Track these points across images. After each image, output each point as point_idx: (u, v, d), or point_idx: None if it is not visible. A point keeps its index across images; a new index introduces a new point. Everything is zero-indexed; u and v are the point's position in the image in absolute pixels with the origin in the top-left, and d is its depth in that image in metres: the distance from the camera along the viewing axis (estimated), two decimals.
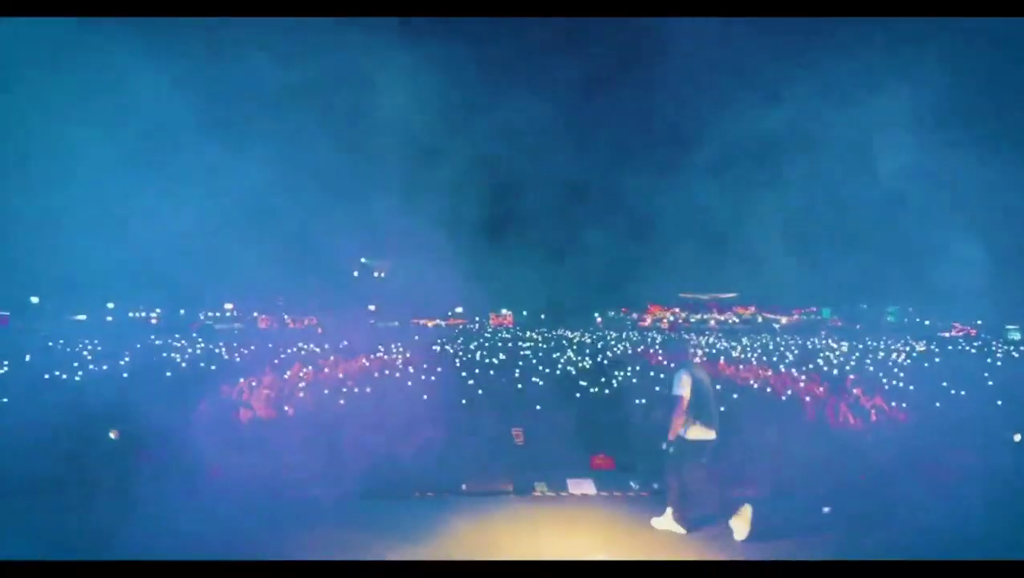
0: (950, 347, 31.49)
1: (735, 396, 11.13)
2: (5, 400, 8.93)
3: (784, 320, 79.09)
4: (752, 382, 13.77)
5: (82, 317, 52.33)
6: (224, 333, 37.69)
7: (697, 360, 4.45)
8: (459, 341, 29.26)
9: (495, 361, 19.00)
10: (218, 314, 59.62)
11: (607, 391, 11.84)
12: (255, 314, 57.45)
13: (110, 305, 56.63)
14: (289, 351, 19.77)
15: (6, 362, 14.33)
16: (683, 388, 3.99)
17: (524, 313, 78.61)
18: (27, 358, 15.31)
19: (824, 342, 34.78)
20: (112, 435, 5.83)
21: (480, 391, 11.24)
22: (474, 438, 7.08)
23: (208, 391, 10.61)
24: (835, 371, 17.04)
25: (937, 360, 20.95)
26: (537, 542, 3.87)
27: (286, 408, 10.03)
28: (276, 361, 16.39)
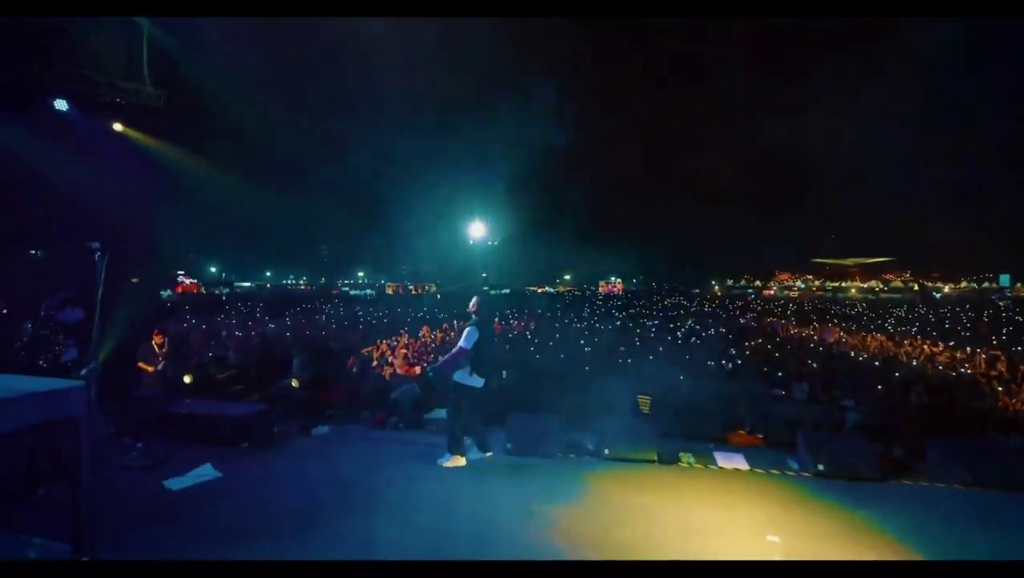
0: None
1: (896, 374, 9.82)
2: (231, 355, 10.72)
3: (947, 288, 67.48)
4: (915, 360, 12.00)
5: (247, 284, 61.59)
6: (359, 299, 41.76)
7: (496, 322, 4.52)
8: (571, 308, 29.27)
9: (610, 327, 18.75)
10: (352, 282, 66.55)
11: (739, 362, 11.12)
12: (382, 281, 63.13)
13: (268, 274, 66.05)
14: (417, 315, 21.30)
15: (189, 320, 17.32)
16: (469, 343, 4.65)
17: (634, 281, 76.41)
18: (219, 318, 18.34)
19: (1005, 315, 29.07)
20: None
21: (597, 357, 11.17)
22: (601, 403, 7.07)
23: (354, 349, 11.89)
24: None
25: None
26: (691, 514, 3.77)
27: (418, 368, 10.89)
28: (407, 323, 17.81)
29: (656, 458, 4.89)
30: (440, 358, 5.01)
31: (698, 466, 4.83)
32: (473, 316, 4.88)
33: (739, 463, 4.85)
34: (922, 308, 35.24)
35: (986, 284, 68.56)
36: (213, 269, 62.66)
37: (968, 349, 13.37)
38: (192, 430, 5.32)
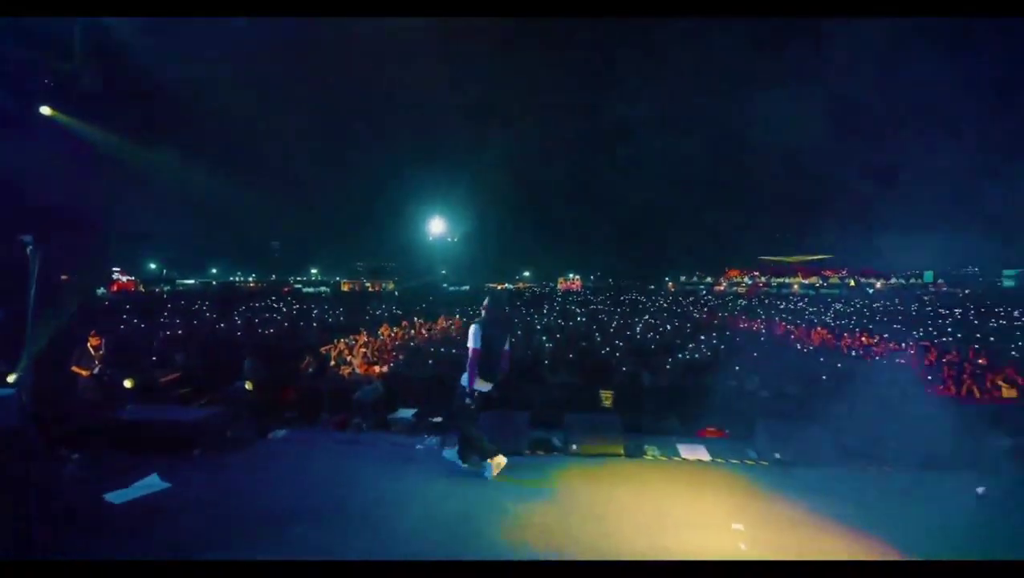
0: None
1: (839, 365, 10.43)
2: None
3: (879, 284, 72.65)
4: (855, 351, 12.81)
5: (190, 281, 58.43)
6: (312, 296, 40.45)
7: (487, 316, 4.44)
8: (531, 306, 29.45)
9: (570, 324, 19.01)
10: (305, 279, 64.37)
11: (696, 356, 11.50)
12: (338, 279, 61.45)
13: (213, 270, 62.85)
14: (376, 313, 20.85)
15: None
16: (476, 341, 4.33)
17: (592, 278, 77.92)
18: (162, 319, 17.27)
19: (929, 309, 31.55)
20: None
21: (565, 355, 11.27)
22: (565, 398, 7.13)
23: (310, 349, 11.48)
24: (948, 339, 15.46)
25: None
26: (660, 506, 3.84)
27: (377, 367, 10.64)
28: (365, 321, 17.38)
29: (623, 452, 4.96)
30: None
31: (663, 458, 4.93)
32: (483, 313, 4.63)
33: (701, 454, 4.99)
34: (857, 303, 37.67)
35: (912, 280, 74.07)
36: (153, 265, 59.09)
37: (901, 342, 14.40)
38: (136, 438, 4.96)
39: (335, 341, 12.31)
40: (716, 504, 3.86)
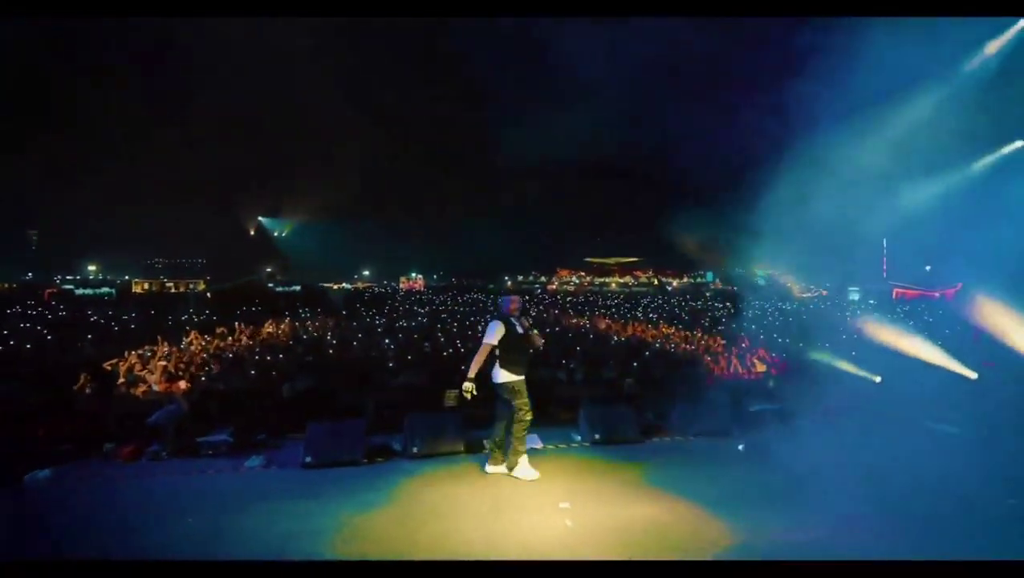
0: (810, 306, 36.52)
1: (646, 353, 12.17)
2: None
3: (676, 283, 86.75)
4: (657, 340, 15.07)
5: None
6: (90, 300, 32.95)
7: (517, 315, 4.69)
8: (372, 307, 28.30)
9: (412, 324, 18.81)
10: (79, 278, 51.87)
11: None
12: (126, 278, 50.80)
13: None
14: (182, 318, 17.90)
15: None
16: (494, 337, 4.47)
17: (435, 277, 78.06)
18: None
19: (710, 303, 38.71)
20: None
21: (407, 356, 11.09)
22: (407, 401, 7.01)
23: (88, 365, 9.40)
24: (720, 327, 19.19)
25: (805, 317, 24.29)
26: (498, 496, 4.02)
27: (184, 383, 9.19)
28: (165, 329, 14.77)
29: (463, 449, 5.06)
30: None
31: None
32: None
33: (534, 442, 5.35)
34: (660, 299, 44.46)
35: (698, 279, 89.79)
36: None
37: (690, 331, 17.42)
38: None
39: (124, 354, 10.25)
40: (547, 486, 4.18)
